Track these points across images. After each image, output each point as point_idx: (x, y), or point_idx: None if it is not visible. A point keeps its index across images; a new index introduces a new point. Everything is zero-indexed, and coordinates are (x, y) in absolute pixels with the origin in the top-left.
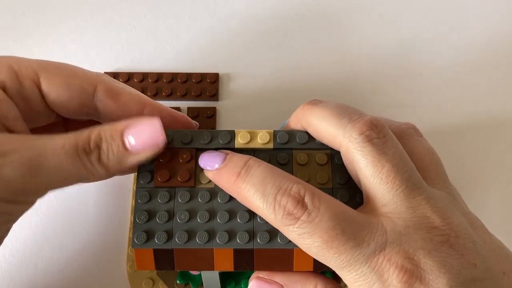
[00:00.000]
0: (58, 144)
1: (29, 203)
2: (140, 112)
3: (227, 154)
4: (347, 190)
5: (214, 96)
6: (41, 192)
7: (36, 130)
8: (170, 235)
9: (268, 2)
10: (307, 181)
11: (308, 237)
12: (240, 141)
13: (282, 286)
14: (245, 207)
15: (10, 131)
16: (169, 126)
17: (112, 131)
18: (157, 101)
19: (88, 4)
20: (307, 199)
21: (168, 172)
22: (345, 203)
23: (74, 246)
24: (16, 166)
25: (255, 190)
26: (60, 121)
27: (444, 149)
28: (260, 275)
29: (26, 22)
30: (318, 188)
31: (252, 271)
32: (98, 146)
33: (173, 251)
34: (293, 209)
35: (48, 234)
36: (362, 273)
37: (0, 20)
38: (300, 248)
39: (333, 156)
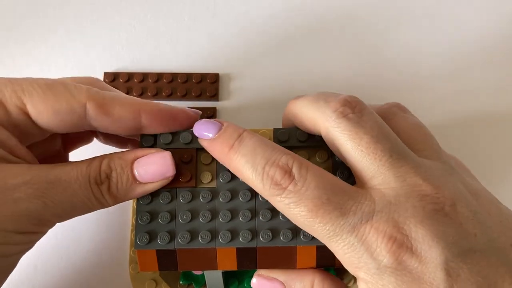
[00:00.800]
0: (71, 176)
1: (42, 233)
2: (137, 119)
3: (222, 124)
4: None
5: (214, 97)
6: (53, 223)
7: (33, 145)
8: (172, 236)
9: (268, 2)
10: None
11: (294, 206)
12: None
13: (282, 283)
14: (247, 205)
15: (15, 156)
16: (168, 124)
17: (122, 162)
18: (154, 101)
19: (88, 4)
20: (294, 170)
21: None
22: None
23: (75, 248)
24: (32, 199)
25: (245, 161)
26: (57, 134)
27: (451, 146)
28: (261, 273)
29: (26, 22)
30: None
31: (255, 270)
32: (108, 177)
33: (176, 251)
34: (280, 179)
35: (48, 235)
36: (350, 244)
37: (0, 20)
38: (303, 246)
39: (334, 153)
